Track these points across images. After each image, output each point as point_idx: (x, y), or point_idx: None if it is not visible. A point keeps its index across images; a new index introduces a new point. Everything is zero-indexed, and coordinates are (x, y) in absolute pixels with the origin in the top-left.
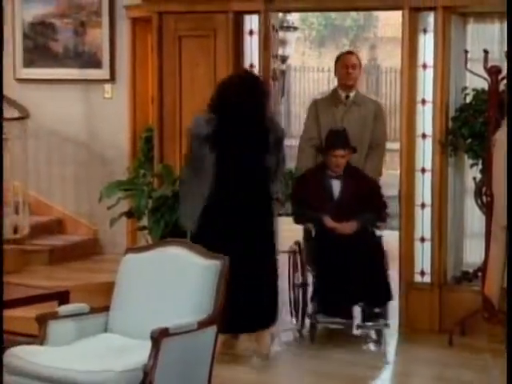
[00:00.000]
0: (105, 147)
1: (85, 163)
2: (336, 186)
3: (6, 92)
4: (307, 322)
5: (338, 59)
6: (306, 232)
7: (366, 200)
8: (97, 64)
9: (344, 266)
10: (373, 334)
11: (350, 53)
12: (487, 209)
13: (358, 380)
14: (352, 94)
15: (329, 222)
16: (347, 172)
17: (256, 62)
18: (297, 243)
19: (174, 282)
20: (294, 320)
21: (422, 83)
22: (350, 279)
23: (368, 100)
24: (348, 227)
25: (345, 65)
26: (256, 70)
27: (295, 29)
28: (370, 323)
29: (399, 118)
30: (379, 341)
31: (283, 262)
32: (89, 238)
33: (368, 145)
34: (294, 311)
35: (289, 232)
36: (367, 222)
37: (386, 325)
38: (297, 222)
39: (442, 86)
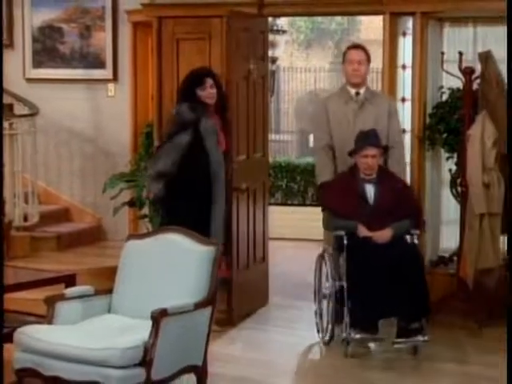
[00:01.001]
0: (109, 142)
1: (90, 157)
2: (370, 190)
3: (16, 91)
4: (337, 335)
5: (345, 55)
6: (336, 240)
7: (400, 205)
8: (101, 65)
9: (378, 278)
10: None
11: (356, 47)
12: (462, 198)
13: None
14: (362, 91)
15: (363, 231)
16: (380, 176)
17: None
18: (324, 251)
19: (173, 266)
20: (320, 334)
21: (402, 82)
22: (385, 293)
23: (380, 96)
24: (383, 235)
25: (350, 61)
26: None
27: (284, 32)
28: (405, 339)
29: None
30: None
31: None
32: (94, 226)
33: (386, 144)
34: (320, 323)
35: (279, 221)
36: (402, 229)
37: (425, 341)
38: (327, 228)
39: (420, 85)
